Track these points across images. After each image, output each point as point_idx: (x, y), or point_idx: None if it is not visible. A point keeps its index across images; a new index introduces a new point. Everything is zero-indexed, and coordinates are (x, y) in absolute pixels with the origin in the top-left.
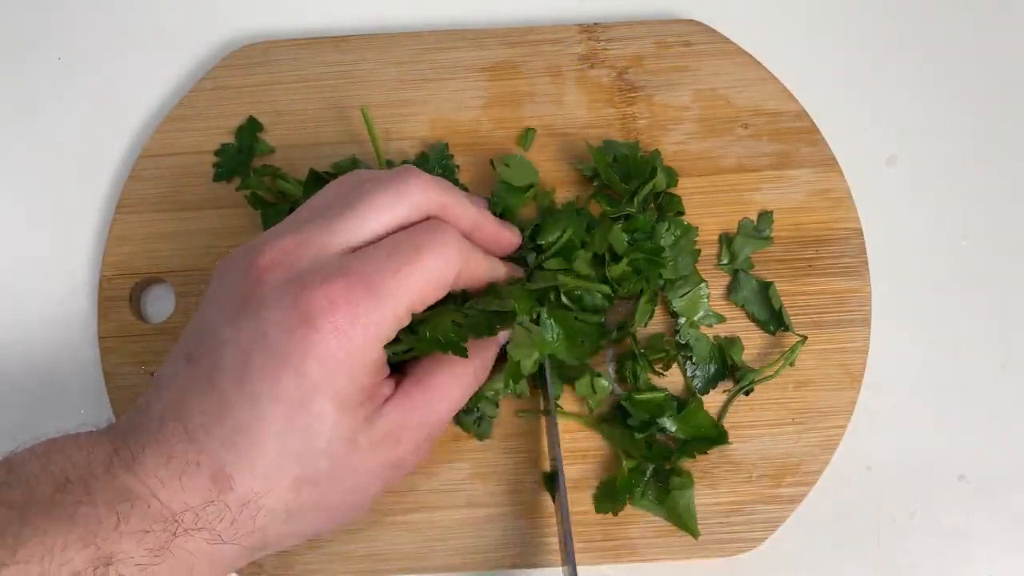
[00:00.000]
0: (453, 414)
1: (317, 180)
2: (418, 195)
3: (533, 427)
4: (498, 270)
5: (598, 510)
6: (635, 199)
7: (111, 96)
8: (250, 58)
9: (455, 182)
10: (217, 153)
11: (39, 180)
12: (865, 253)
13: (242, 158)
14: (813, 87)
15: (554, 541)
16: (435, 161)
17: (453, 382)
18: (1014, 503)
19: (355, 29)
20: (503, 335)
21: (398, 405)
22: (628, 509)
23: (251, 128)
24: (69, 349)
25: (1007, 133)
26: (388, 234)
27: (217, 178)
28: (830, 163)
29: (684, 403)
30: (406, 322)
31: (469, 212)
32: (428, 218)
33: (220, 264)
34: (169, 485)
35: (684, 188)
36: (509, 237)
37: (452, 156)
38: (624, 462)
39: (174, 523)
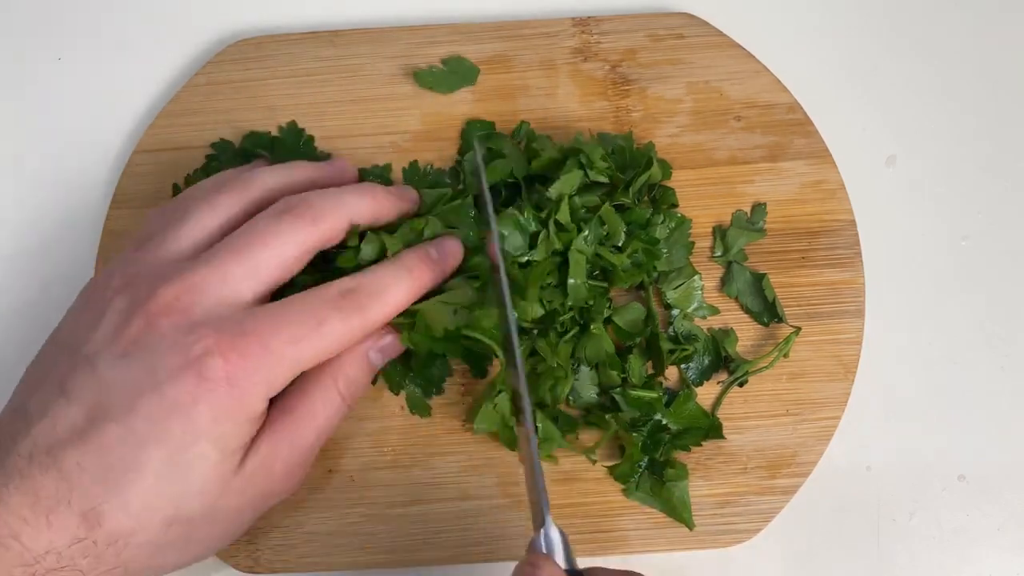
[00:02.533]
0: (323, 438)
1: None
2: (297, 235)
3: None
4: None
5: (618, 479)
6: (630, 190)
7: (107, 93)
8: (244, 53)
9: (313, 156)
10: (214, 146)
11: (35, 177)
12: (858, 244)
13: (236, 162)
14: (811, 86)
15: None
16: (292, 145)
17: (321, 408)
18: (1014, 503)
19: (349, 23)
20: (376, 355)
21: (267, 439)
22: (622, 501)
23: (253, 141)
24: None
25: (1007, 133)
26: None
27: (206, 169)
28: (823, 155)
29: (676, 395)
30: (291, 379)
31: (362, 211)
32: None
33: (91, 290)
34: (34, 524)
35: (677, 180)
36: (409, 203)
37: (312, 138)
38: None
39: (35, 565)
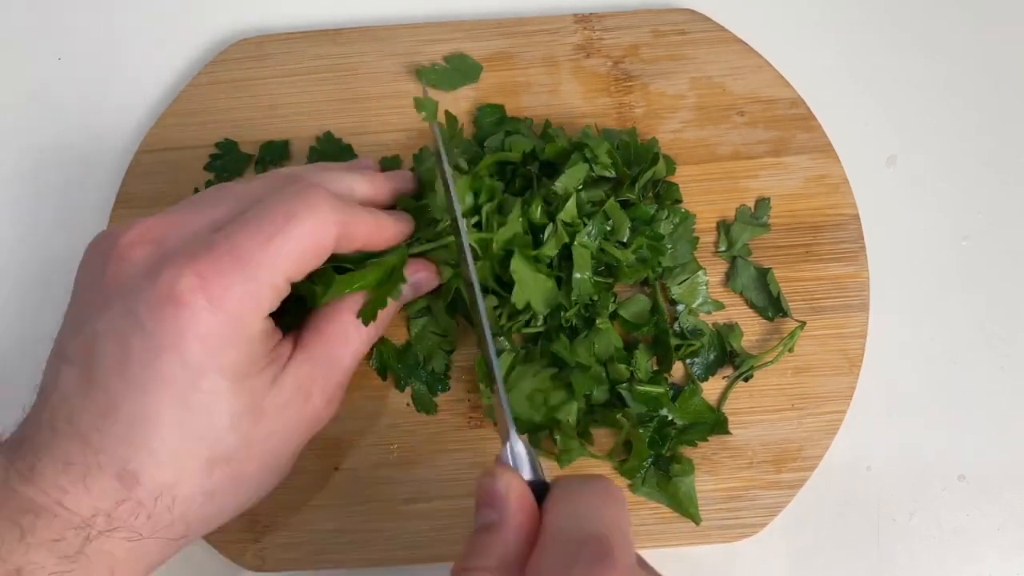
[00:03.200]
0: (357, 360)
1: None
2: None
3: None
4: (385, 227)
5: (625, 474)
6: (636, 185)
7: (109, 94)
8: (245, 52)
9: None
10: (218, 145)
11: (39, 179)
12: (862, 239)
13: (240, 159)
14: (813, 82)
15: None
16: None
17: (351, 329)
18: (1014, 503)
19: (350, 22)
20: (407, 289)
21: (301, 360)
22: (629, 496)
23: (271, 148)
24: None
25: (1008, 133)
26: None
27: (208, 168)
28: (826, 149)
29: (682, 390)
30: (286, 292)
31: (358, 187)
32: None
33: (84, 255)
34: (73, 492)
35: (681, 176)
36: (396, 186)
37: (349, 146)
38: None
39: (86, 528)
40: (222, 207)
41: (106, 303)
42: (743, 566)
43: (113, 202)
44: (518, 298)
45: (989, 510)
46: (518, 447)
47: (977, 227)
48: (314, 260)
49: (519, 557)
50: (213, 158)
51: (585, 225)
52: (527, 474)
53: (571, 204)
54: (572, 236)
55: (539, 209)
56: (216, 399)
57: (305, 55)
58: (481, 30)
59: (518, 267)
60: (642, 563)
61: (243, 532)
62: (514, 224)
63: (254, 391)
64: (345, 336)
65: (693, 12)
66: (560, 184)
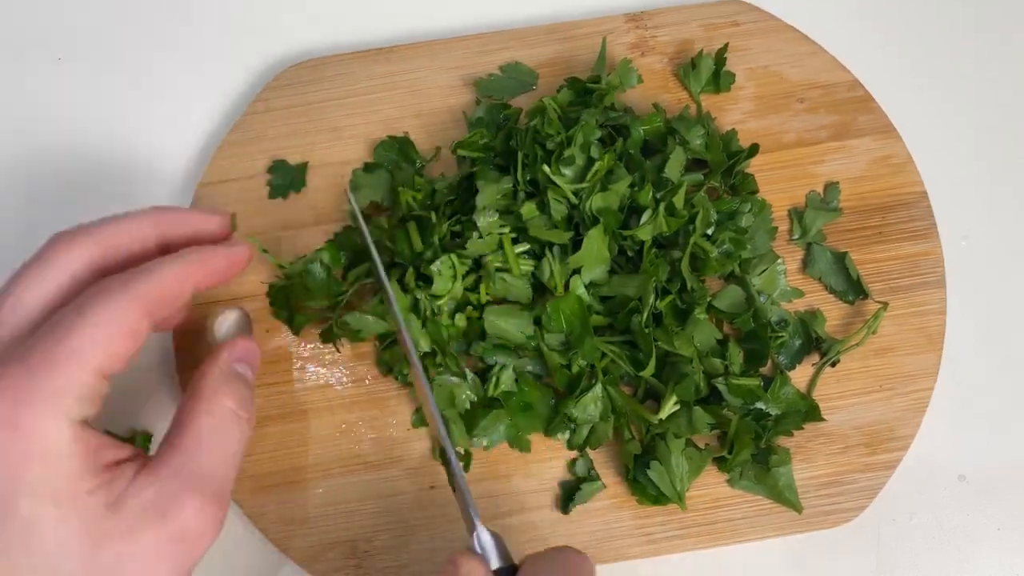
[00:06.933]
0: (234, 464)
1: None
2: (63, 256)
3: None
4: (209, 264)
5: (729, 468)
6: (733, 171)
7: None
8: (299, 77)
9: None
10: (270, 170)
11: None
12: (932, 216)
13: (297, 172)
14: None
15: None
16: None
17: (221, 432)
18: (1014, 503)
19: (400, 39)
20: (242, 367)
21: (151, 475)
22: (726, 491)
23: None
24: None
25: (1009, 132)
26: (53, 309)
27: (272, 195)
28: (888, 130)
29: (771, 380)
30: (103, 388)
31: (144, 230)
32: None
33: None
34: None
35: (748, 166)
36: (216, 227)
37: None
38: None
39: None
40: (7, 304)
41: None
42: (743, 565)
43: None
44: (574, 259)
45: (989, 510)
46: (484, 536)
47: (976, 227)
48: (129, 342)
49: None
50: (273, 186)
51: (692, 219)
52: (495, 562)
53: (682, 193)
54: (676, 228)
55: (649, 193)
56: (37, 526)
57: (359, 75)
58: (534, 37)
59: (594, 236)
60: None
61: (345, 559)
62: (615, 197)
63: (85, 513)
64: (200, 442)
65: (742, 3)
66: (669, 171)
